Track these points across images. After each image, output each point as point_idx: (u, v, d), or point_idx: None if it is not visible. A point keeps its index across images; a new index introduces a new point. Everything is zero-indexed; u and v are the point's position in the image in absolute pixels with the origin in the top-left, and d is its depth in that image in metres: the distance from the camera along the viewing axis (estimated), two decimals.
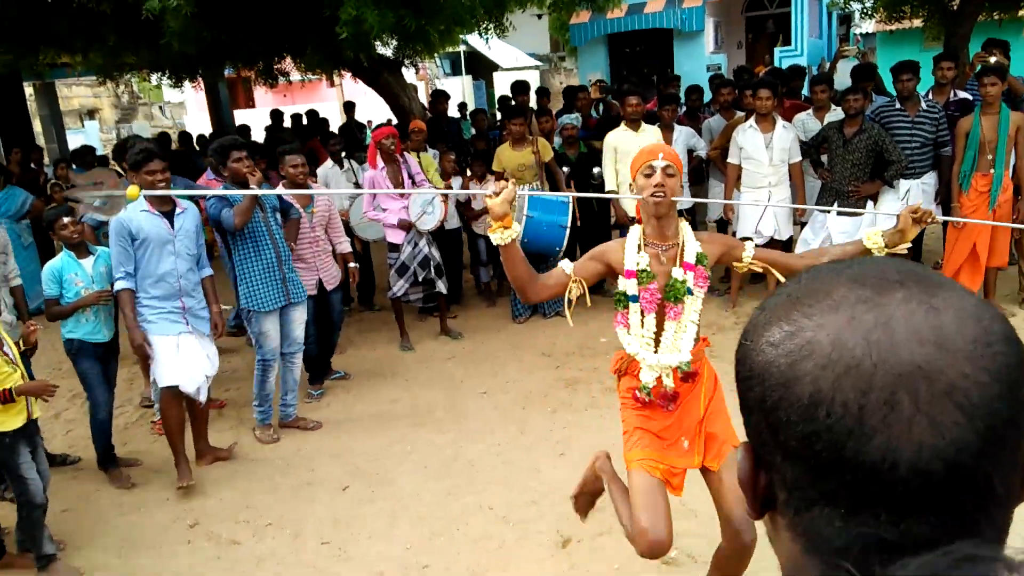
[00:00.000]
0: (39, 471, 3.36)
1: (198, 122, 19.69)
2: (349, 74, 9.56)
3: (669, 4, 15.77)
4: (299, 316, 4.65)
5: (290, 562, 3.32)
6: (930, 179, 5.83)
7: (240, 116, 16.03)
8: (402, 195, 5.74)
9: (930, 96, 6.29)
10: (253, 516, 3.73)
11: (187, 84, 10.96)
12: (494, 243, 2.36)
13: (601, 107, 8.98)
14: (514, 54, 20.61)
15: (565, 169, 6.49)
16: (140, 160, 3.87)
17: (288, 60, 9.52)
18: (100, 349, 4.11)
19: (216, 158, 4.49)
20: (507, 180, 2.30)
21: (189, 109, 23.65)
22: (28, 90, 13.89)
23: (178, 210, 4.04)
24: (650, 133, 6.00)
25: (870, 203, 5.71)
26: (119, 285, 3.91)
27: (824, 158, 5.86)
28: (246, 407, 4.91)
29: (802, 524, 0.53)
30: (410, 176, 5.87)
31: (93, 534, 3.69)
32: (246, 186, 4.26)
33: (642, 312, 2.48)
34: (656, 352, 2.48)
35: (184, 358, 3.99)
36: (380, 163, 5.81)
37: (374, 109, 14.63)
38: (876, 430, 0.47)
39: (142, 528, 3.72)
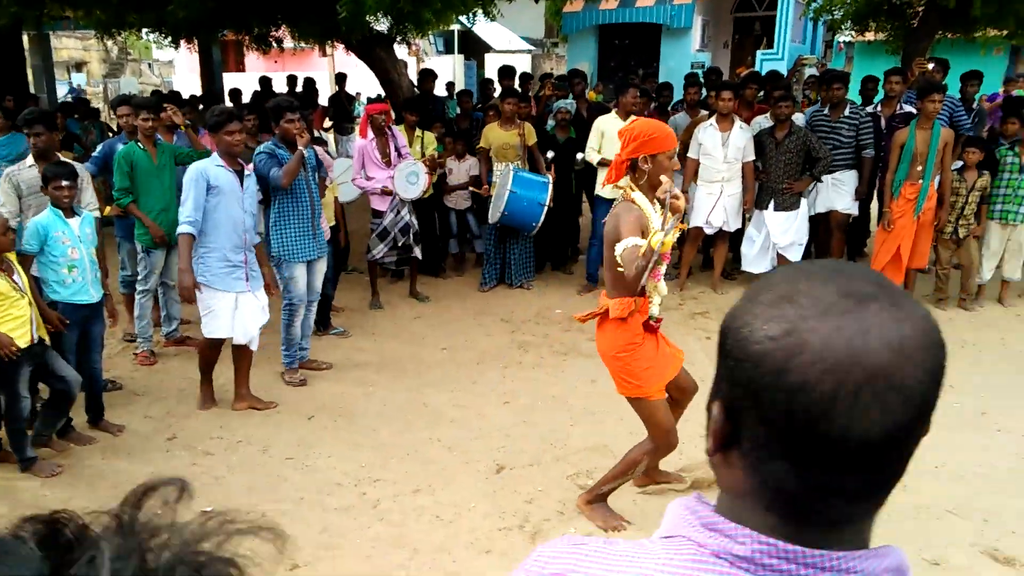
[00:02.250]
0: (65, 376, 3.80)
1: (186, 82, 19.84)
2: (342, 46, 9.94)
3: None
4: (322, 267, 5.10)
5: (258, 471, 3.83)
6: (845, 176, 6.48)
7: (229, 79, 16.27)
8: (388, 166, 6.21)
9: (879, 108, 6.87)
10: (226, 434, 4.23)
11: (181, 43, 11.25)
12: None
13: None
14: (507, 36, 20.95)
15: (550, 154, 6.92)
16: (221, 121, 4.24)
17: (284, 28, 9.87)
18: (84, 311, 4.11)
19: (271, 116, 4.87)
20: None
21: (178, 68, 23.73)
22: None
23: (247, 171, 4.44)
24: None
25: (803, 200, 6.33)
26: (184, 229, 4.16)
27: (759, 163, 6.46)
28: None
29: (762, 469, 0.66)
30: (396, 149, 6.32)
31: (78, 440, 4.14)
32: (294, 146, 4.66)
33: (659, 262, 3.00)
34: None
35: (240, 315, 4.39)
36: (370, 134, 6.26)
37: (364, 81, 14.96)
38: (842, 414, 0.60)
39: (124, 438, 4.19)
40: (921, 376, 0.61)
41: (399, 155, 6.17)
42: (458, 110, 8.80)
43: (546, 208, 6.27)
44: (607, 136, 6.43)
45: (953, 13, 7.65)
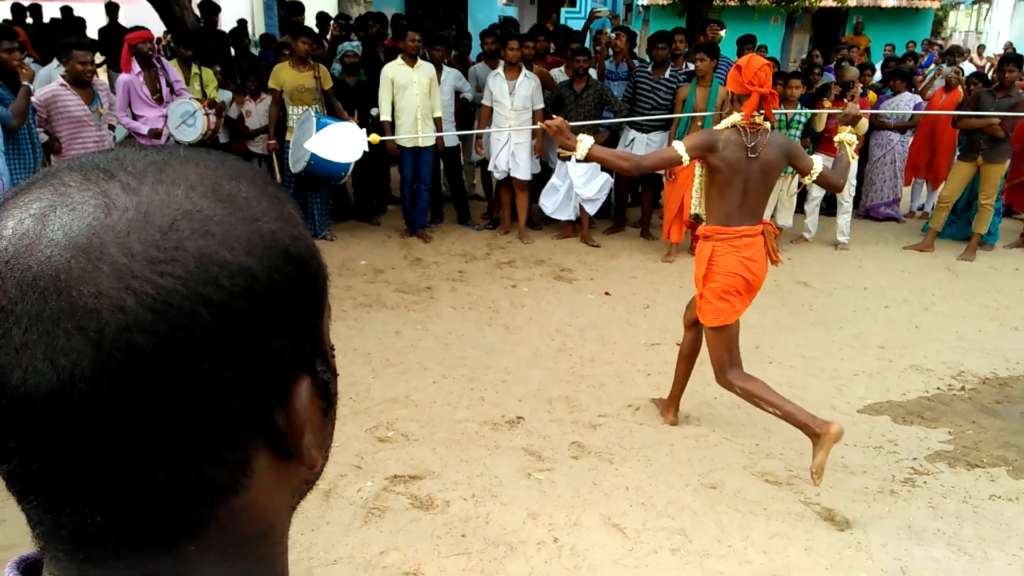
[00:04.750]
0: None
1: None
2: None
3: None
4: None
5: None
6: (657, 137, 6.66)
7: None
8: (160, 103, 5.59)
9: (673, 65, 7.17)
10: None
11: None
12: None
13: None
14: None
15: (374, 111, 6.55)
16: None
17: None
18: None
19: None
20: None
21: None
22: None
23: None
24: (425, 69, 6.31)
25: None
26: None
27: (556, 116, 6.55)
28: None
29: None
30: (168, 84, 5.70)
31: None
32: (15, 80, 3.99)
33: None
34: None
35: None
36: (136, 67, 5.59)
37: (143, 15, 13.48)
38: None
39: None
40: (123, 300, 0.38)
41: (172, 91, 5.56)
42: (233, 50, 8.13)
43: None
44: (397, 84, 6.21)
45: None
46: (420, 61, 6.30)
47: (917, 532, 3.03)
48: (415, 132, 6.33)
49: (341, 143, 3.79)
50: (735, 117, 3.21)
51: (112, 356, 0.37)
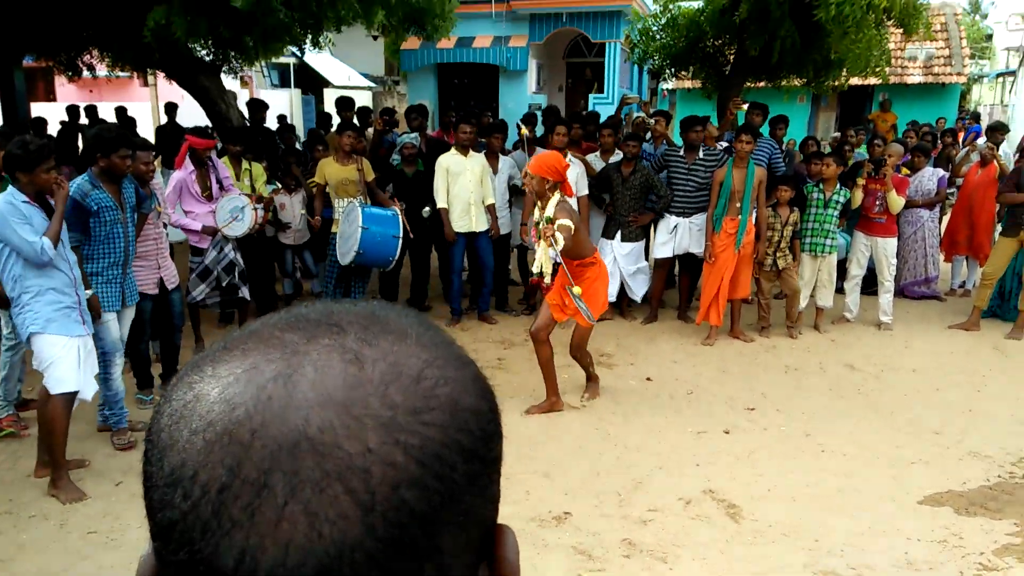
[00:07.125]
0: None
1: None
2: (163, 74, 9.30)
3: (496, 42, 16.58)
4: (129, 316, 4.58)
5: (53, 549, 3.31)
6: (699, 219, 6.64)
7: (38, 110, 14.81)
8: (209, 200, 5.78)
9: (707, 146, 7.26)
10: (15, 508, 3.65)
11: None
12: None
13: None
14: (346, 72, 20.63)
15: (426, 211, 6.75)
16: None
17: (95, 53, 9.11)
18: None
19: (96, 147, 4.26)
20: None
21: None
22: None
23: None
24: (478, 159, 6.54)
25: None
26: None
27: (606, 196, 6.68)
28: None
29: None
30: (218, 181, 5.90)
31: None
32: (118, 181, 4.24)
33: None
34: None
35: (86, 365, 3.82)
36: (189, 165, 5.80)
37: (195, 113, 14.14)
38: (237, 523, 0.34)
39: None
40: (392, 455, 0.35)
41: (221, 188, 5.76)
42: (283, 145, 8.46)
43: (401, 240, 6.06)
44: (451, 172, 6.41)
45: (758, 61, 8.31)
46: (472, 151, 6.51)
47: None
48: (469, 217, 6.49)
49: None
50: (558, 196, 4.56)
51: (385, 517, 0.34)
